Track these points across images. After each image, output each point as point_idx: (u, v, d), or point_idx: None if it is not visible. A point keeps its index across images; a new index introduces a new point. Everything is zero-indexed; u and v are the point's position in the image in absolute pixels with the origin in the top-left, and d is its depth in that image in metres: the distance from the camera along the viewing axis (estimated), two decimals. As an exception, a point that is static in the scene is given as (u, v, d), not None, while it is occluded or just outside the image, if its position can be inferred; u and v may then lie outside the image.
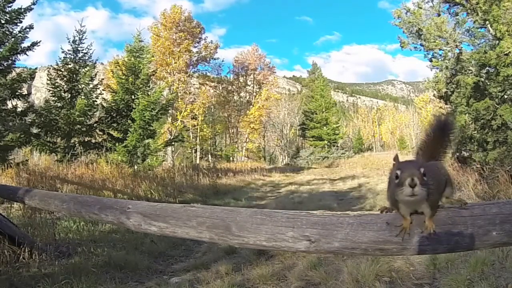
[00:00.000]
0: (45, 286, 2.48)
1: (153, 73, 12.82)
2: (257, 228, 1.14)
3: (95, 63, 11.19)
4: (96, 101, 10.63)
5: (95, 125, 10.74)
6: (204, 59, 24.19)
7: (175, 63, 21.87)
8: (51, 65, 10.97)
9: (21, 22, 8.76)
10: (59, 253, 3.22)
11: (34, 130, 9.61)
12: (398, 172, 0.85)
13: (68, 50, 10.55)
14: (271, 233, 1.11)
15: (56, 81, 10.27)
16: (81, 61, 10.64)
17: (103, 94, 11.43)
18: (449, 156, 6.79)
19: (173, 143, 14.73)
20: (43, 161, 9.95)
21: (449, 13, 7.10)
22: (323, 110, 30.32)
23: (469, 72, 6.47)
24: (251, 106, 27.26)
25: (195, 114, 23.68)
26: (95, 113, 10.96)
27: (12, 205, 4.66)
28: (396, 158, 0.91)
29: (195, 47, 23.48)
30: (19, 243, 2.92)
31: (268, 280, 2.73)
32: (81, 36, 10.68)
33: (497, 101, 5.83)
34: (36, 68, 11.96)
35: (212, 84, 26.83)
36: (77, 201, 2.10)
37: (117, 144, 10.23)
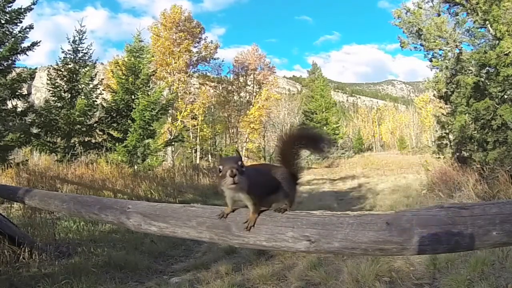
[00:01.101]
0: (45, 286, 2.48)
1: (153, 73, 12.81)
2: (257, 228, 1.13)
3: (95, 63, 11.19)
4: (96, 101, 10.63)
5: (95, 125, 10.73)
6: (204, 59, 24.17)
7: (175, 63, 21.86)
8: (51, 65, 10.97)
9: (21, 22, 8.77)
10: (59, 253, 3.22)
11: (34, 130, 9.60)
12: (221, 166, 1.00)
13: (68, 50, 10.55)
14: (271, 233, 1.11)
15: (56, 81, 10.27)
16: (81, 61, 10.63)
17: (103, 94, 11.42)
18: (449, 156, 6.79)
19: (173, 143, 14.72)
20: (43, 161, 9.94)
21: (449, 13, 7.09)
22: (323, 110, 30.31)
23: (469, 72, 6.46)
24: (251, 106, 27.23)
25: (195, 114, 23.66)
26: (95, 113, 10.95)
27: (12, 205, 4.66)
28: (219, 156, 1.11)
29: (195, 47, 23.47)
30: (19, 243, 2.92)
31: (268, 280, 2.73)
32: (81, 36, 10.67)
33: (497, 101, 5.83)
34: (36, 68, 11.95)
35: (212, 84, 26.80)
36: (77, 201, 2.10)
37: (117, 144, 10.22)
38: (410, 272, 2.68)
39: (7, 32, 8.61)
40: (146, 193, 7.23)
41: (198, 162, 22.35)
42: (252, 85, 29.07)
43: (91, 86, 10.62)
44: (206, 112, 26.40)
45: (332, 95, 36.53)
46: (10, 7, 8.59)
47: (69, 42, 10.56)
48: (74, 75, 10.38)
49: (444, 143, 7.23)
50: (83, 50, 10.69)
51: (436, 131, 11.39)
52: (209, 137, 27.62)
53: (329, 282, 2.60)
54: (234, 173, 0.95)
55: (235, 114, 27.60)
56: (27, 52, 8.78)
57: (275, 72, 31.34)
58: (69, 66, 10.41)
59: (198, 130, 24.97)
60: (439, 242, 0.93)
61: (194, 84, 25.05)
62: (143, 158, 10.22)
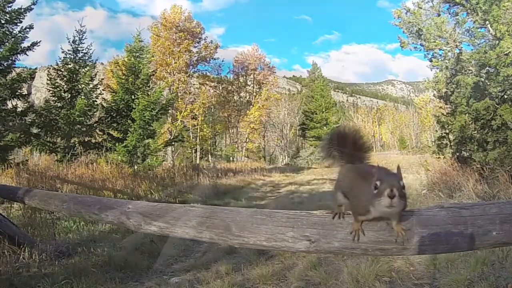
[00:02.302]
0: (45, 286, 2.48)
1: (153, 73, 12.83)
2: (257, 228, 1.13)
3: (95, 63, 11.21)
4: (96, 101, 10.64)
5: (95, 125, 10.75)
6: (204, 59, 24.21)
7: (175, 63, 21.87)
8: (51, 65, 11.00)
9: (21, 22, 8.79)
10: (59, 253, 3.21)
11: (34, 130, 9.61)
12: (378, 182, 0.84)
13: (68, 50, 10.57)
14: (271, 233, 1.11)
15: (56, 81, 10.28)
16: (81, 61, 10.64)
17: (103, 94, 11.44)
18: (449, 156, 6.79)
19: (173, 143, 14.74)
20: (43, 161, 9.94)
21: (449, 13, 7.09)
22: (323, 110, 30.26)
23: (469, 72, 6.46)
24: (251, 106, 27.25)
25: (195, 114, 23.68)
26: (95, 113, 10.97)
27: (12, 205, 4.65)
28: (376, 169, 0.90)
29: (195, 47, 23.51)
30: (19, 243, 2.92)
31: (268, 280, 2.73)
32: (80, 36, 10.69)
33: (497, 101, 5.82)
34: (36, 68, 11.99)
35: (212, 84, 26.83)
36: (77, 201, 2.10)
37: (117, 144, 10.23)
38: (410, 272, 2.68)
39: (7, 32, 8.62)
40: (146, 193, 7.23)
41: (198, 162, 22.35)
42: (252, 85, 29.09)
43: (91, 86, 10.64)
44: (206, 112, 26.42)
45: (332, 95, 36.50)
46: (10, 7, 8.60)
47: (69, 42, 10.59)
48: (74, 75, 10.38)
49: (444, 143, 7.21)
50: (83, 50, 10.72)
51: (436, 131, 11.39)
52: (209, 137, 27.63)
53: (329, 282, 2.60)
54: (393, 194, 0.81)
55: (235, 114, 27.62)
56: (27, 52, 8.81)
57: (275, 72, 31.40)
58: (69, 66, 10.43)
59: (198, 130, 24.98)
60: (439, 242, 0.93)
61: (194, 84, 25.08)
62: (143, 158, 10.23)
